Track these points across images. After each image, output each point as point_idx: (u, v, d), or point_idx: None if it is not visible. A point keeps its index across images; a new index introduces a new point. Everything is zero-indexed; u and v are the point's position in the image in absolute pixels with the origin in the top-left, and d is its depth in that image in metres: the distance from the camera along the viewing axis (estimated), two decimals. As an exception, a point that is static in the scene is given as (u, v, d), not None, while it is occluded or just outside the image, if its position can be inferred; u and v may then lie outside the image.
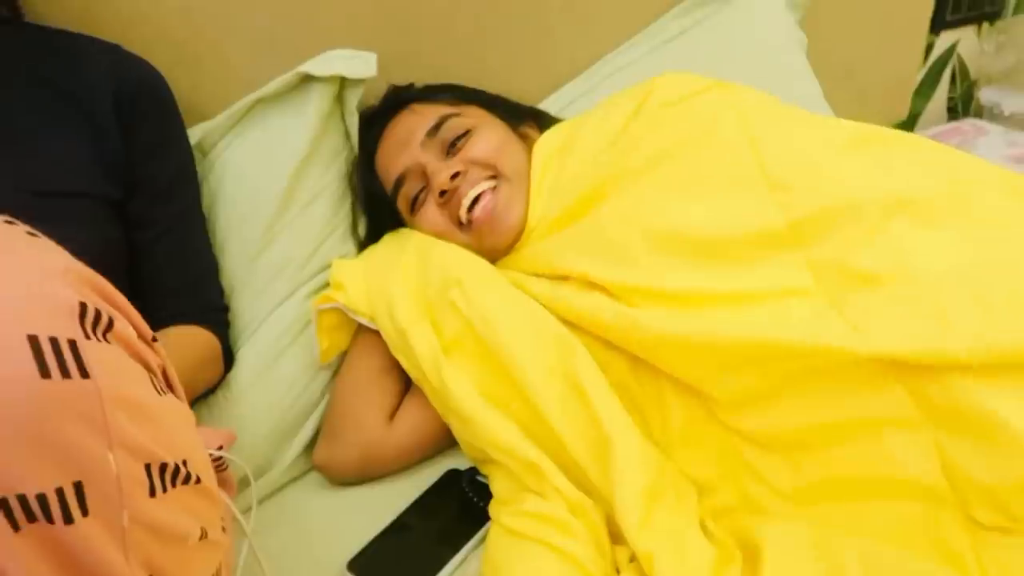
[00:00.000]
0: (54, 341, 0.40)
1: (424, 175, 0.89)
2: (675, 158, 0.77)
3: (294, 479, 0.89)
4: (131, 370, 0.45)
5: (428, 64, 1.04)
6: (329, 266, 0.93)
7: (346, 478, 0.87)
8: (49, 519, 0.39)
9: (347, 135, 0.97)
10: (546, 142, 0.91)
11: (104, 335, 0.43)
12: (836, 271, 0.67)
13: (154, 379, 0.47)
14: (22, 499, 0.38)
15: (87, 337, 0.41)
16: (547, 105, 1.16)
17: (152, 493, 0.44)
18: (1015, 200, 0.68)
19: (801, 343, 0.63)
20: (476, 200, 0.87)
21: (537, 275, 0.83)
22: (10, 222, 0.45)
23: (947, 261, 0.64)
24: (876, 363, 0.61)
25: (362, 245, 0.97)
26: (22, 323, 0.39)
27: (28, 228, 0.45)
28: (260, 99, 0.90)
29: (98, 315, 0.43)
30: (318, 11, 0.96)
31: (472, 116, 0.92)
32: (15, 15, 0.79)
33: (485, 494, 0.79)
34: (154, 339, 0.49)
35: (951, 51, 1.79)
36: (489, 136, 0.89)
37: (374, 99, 0.98)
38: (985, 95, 1.84)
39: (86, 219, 0.75)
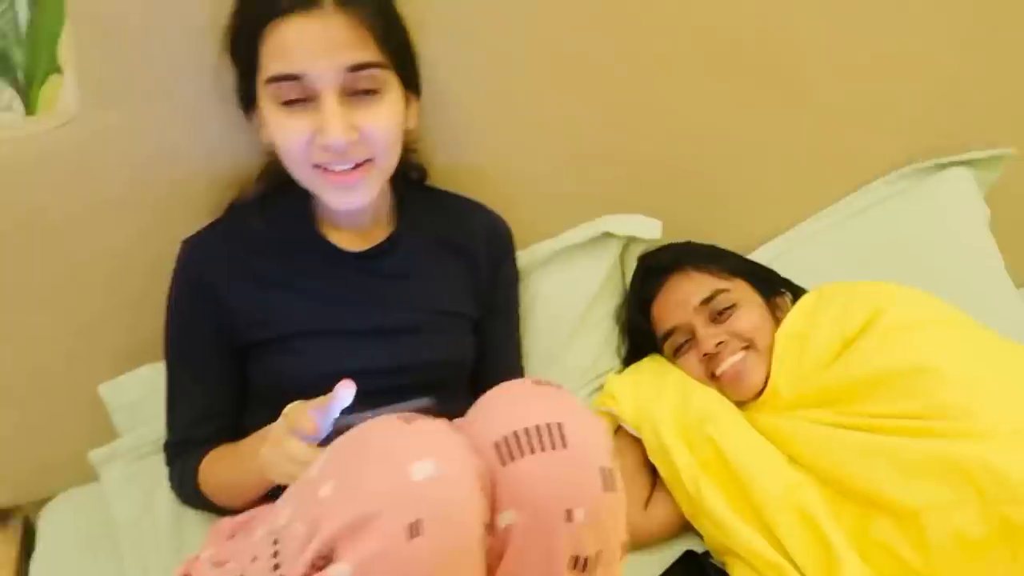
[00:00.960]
0: (609, 470, 0.72)
1: (692, 333, 1.14)
2: (892, 386, 0.99)
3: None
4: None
5: (717, 217, 1.33)
6: (601, 375, 1.21)
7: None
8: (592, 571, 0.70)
9: (623, 276, 1.25)
10: (788, 327, 1.13)
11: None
12: None
13: None
14: (581, 559, 0.71)
15: (612, 467, 0.73)
16: (760, 253, 1.39)
17: None
18: None
19: None
20: None
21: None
22: (548, 383, 0.78)
23: None
24: None
25: (625, 361, 1.24)
26: (599, 460, 0.72)
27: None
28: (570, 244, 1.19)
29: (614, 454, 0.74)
30: (605, 178, 1.24)
31: (738, 291, 1.16)
32: (422, 178, 1.10)
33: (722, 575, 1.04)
34: None
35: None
36: (751, 314, 1.14)
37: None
38: None
39: (462, 331, 1.05)
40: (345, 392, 0.74)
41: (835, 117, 1.37)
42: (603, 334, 1.22)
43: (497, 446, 0.72)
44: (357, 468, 0.67)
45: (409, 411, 0.74)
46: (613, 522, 0.74)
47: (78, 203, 1.00)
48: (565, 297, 1.19)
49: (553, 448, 0.71)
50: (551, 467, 0.71)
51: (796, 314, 1.14)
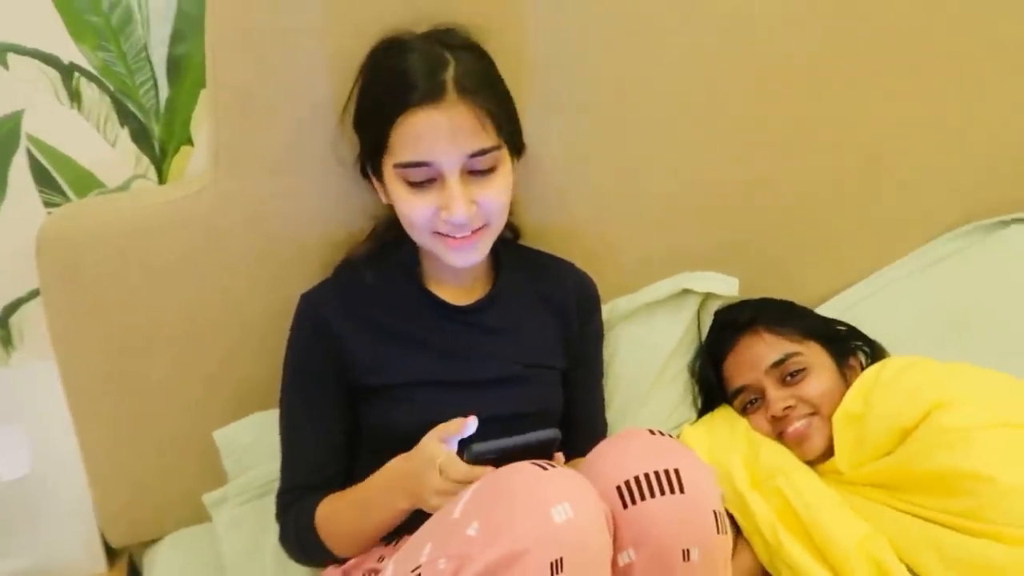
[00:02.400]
0: (720, 514, 0.79)
1: (762, 394, 1.18)
2: (945, 485, 1.02)
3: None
4: None
5: (793, 272, 1.39)
6: (677, 425, 1.26)
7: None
8: None
9: (699, 331, 1.30)
10: (846, 407, 1.14)
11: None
12: None
13: None
14: None
15: (722, 511, 0.79)
16: (834, 303, 1.44)
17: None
18: None
19: None
20: None
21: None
22: (661, 432, 0.82)
23: None
24: None
25: (699, 412, 1.29)
26: (712, 504, 0.79)
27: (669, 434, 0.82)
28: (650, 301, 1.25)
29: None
30: (685, 238, 1.31)
31: (810, 354, 1.18)
32: (515, 236, 1.17)
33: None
34: None
35: None
36: (820, 381, 1.16)
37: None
38: None
39: (553, 383, 1.11)
40: (470, 426, 0.85)
41: (903, 178, 1.43)
42: (681, 386, 1.27)
43: (619, 489, 0.79)
44: (502, 510, 0.74)
45: (537, 440, 0.82)
46: (723, 562, 0.81)
47: (203, 263, 1.08)
48: (645, 350, 1.25)
49: (672, 492, 0.78)
50: (670, 510, 0.78)
51: (855, 393, 1.15)
